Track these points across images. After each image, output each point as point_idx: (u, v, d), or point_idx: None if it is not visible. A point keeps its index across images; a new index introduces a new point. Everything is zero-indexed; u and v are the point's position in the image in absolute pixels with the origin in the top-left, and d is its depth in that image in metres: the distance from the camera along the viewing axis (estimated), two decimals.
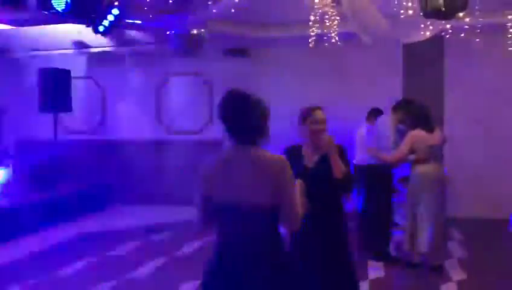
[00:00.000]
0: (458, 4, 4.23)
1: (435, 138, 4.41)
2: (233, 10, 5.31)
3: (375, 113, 5.46)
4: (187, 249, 5.64)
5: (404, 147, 4.41)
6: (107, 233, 6.51)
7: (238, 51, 8.02)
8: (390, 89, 7.12)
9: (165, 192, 8.20)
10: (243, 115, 2.01)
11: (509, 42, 5.33)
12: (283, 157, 2.04)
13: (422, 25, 5.35)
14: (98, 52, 8.12)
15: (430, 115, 4.52)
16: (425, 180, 4.38)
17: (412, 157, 4.44)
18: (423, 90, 6.96)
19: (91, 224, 6.94)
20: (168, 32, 6.61)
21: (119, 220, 7.28)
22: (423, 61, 7.14)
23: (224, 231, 2.04)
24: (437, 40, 6.57)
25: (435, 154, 4.43)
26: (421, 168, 4.40)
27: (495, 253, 5.34)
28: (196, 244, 5.76)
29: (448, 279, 4.46)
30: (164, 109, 8.63)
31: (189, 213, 8.17)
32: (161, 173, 8.38)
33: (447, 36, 6.18)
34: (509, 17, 5.30)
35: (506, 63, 6.63)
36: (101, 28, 5.63)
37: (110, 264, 5.15)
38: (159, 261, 5.17)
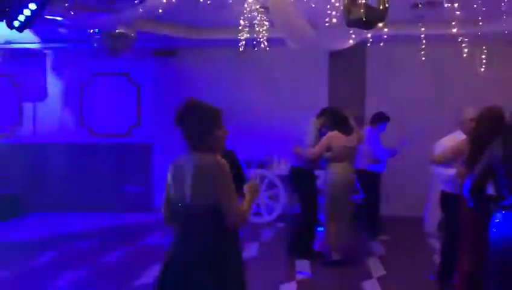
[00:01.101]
0: (378, 15, 4.48)
1: (350, 140, 4.87)
2: (161, 10, 5.19)
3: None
4: (110, 257, 5.41)
5: (321, 144, 4.91)
6: (16, 243, 6.08)
7: (167, 52, 7.88)
8: (316, 94, 7.39)
9: (88, 198, 7.84)
10: (188, 123, 2.26)
11: (422, 52, 5.73)
12: (222, 161, 2.20)
13: (345, 34, 5.59)
14: (16, 49, 7.58)
15: (347, 120, 5.00)
16: (338, 179, 4.81)
17: (327, 154, 4.89)
18: (347, 95, 7.29)
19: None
20: (92, 31, 6.32)
21: (31, 229, 6.85)
22: (347, 68, 7.47)
23: (176, 228, 2.29)
24: (360, 48, 6.91)
25: (348, 155, 4.88)
26: (335, 168, 4.86)
27: (413, 250, 5.71)
28: (119, 252, 5.57)
29: (369, 276, 4.69)
30: (88, 110, 8.24)
31: (115, 219, 7.93)
32: (84, 178, 7.99)
33: (368, 45, 6.53)
34: (423, 29, 5.70)
35: (421, 71, 7.11)
36: (16, 23, 5.22)
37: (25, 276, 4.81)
38: (80, 271, 4.90)
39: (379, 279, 4.60)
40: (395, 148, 6.09)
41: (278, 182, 7.14)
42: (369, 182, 6.00)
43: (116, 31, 6.29)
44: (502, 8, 4.55)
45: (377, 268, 4.93)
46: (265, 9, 5.39)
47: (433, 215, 5.18)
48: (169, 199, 2.29)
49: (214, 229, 2.19)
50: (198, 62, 7.87)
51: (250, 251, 5.57)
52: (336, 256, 4.92)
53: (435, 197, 4.45)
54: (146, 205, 7.94)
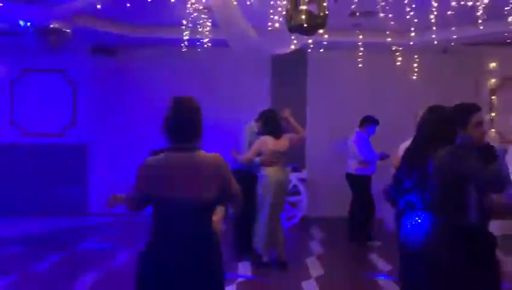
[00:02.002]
0: (318, 21, 4.60)
1: (279, 144, 4.88)
2: (99, 6, 5.00)
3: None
4: (42, 264, 5.12)
5: (252, 149, 4.98)
6: None
7: (105, 50, 7.61)
8: (258, 96, 7.46)
9: (20, 201, 7.38)
10: (187, 121, 2.29)
11: (359, 60, 5.96)
12: (219, 154, 2.32)
13: (287, 39, 5.69)
14: None
15: (278, 124, 5.01)
16: (268, 182, 4.87)
17: (258, 159, 4.96)
18: (288, 98, 7.43)
19: None
20: (23, 24, 5.96)
21: None
22: (289, 72, 7.62)
23: (162, 222, 2.24)
24: (301, 53, 7.07)
25: (278, 158, 4.92)
26: (266, 171, 4.92)
27: (348, 248, 5.93)
28: (52, 258, 5.29)
29: (308, 276, 4.79)
30: (19, 108, 7.76)
31: (48, 224, 7.49)
32: (14, 181, 7.52)
33: (309, 50, 6.69)
34: (360, 37, 5.94)
35: (359, 77, 7.39)
36: None
37: None
38: (8, 279, 4.60)
39: (317, 279, 4.72)
40: (385, 153, 6.01)
41: None
42: (358, 185, 5.99)
43: (51, 25, 5.97)
44: (431, 20, 4.83)
45: (315, 268, 5.05)
46: (208, 10, 5.36)
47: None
48: (142, 194, 2.25)
49: (208, 227, 2.26)
50: (139, 61, 7.67)
51: None
52: (265, 258, 4.97)
53: None
54: (81, 209, 7.61)
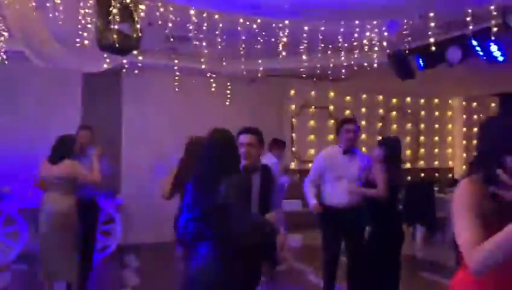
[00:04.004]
0: (131, 43, 4.46)
1: (53, 169, 4.34)
2: None
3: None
4: None
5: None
6: None
7: None
8: (68, 115, 6.84)
9: None
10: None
11: (176, 84, 6.03)
12: None
13: (99, 57, 5.39)
14: None
15: (59, 147, 4.41)
16: (43, 210, 4.34)
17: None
18: (103, 118, 7.02)
19: None
20: None
21: None
22: (103, 90, 7.21)
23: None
24: (116, 72, 6.78)
25: (53, 185, 4.34)
26: (43, 198, 4.41)
27: (165, 276, 5.80)
28: None
29: None
30: None
31: None
32: None
33: (124, 70, 6.47)
34: (176, 61, 6.01)
35: (175, 100, 7.45)
36: None
37: None
38: None
39: None
40: None
41: (18, 217, 6.20)
42: None
43: None
44: (241, 51, 5.19)
45: None
46: (3, 17, 4.70)
47: None
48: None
49: None
50: None
51: None
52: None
53: None
54: None
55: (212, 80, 6.62)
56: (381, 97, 9.64)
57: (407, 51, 5.23)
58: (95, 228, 4.95)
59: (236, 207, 2.48)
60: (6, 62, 5.17)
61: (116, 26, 4.18)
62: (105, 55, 5.48)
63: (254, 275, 2.96)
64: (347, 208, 4.21)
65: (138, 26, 4.33)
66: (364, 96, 9.45)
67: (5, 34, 5.00)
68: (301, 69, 5.82)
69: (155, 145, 7.30)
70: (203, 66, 5.83)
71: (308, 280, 5.65)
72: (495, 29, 4.36)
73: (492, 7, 4.17)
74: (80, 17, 4.48)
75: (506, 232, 1.43)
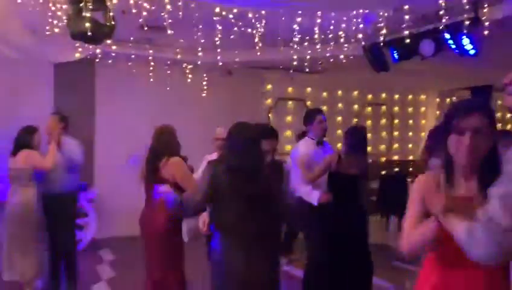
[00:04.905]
0: (105, 32, 4.35)
1: (12, 161, 4.28)
2: None
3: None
4: None
5: None
6: None
7: None
8: (40, 106, 6.63)
9: None
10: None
11: (150, 74, 5.93)
12: None
13: (70, 46, 5.25)
14: None
15: (18, 139, 4.36)
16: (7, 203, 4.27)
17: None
18: (75, 109, 6.83)
19: None
20: None
21: None
22: (75, 81, 7.02)
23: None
24: (89, 62, 6.62)
25: (13, 178, 4.27)
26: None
27: (141, 269, 5.71)
28: None
29: None
30: None
31: None
32: None
33: (97, 60, 6.32)
34: (151, 51, 5.91)
35: (150, 91, 7.32)
36: None
37: None
38: None
39: None
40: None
41: None
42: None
43: None
44: (217, 42, 5.13)
45: None
46: None
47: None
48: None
49: None
50: None
51: None
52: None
53: None
54: None
55: (188, 71, 6.55)
56: (356, 93, 9.72)
57: (382, 44, 5.27)
58: (67, 222, 4.74)
59: (279, 193, 2.89)
60: None
61: (88, 14, 4.08)
62: (77, 44, 5.35)
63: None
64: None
65: (111, 14, 4.23)
66: (340, 92, 9.52)
67: None
68: (278, 61, 5.80)
69: (129, 136, 7.16)
70: (179, 56, 5.75)
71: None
72: (467, 22, 4.44)
73: (465, 0, 4.25)
74: (50, 4, 4.35)
75: (425, 226, 1.66)
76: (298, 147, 4.39)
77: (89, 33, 4.10)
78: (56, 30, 4.49)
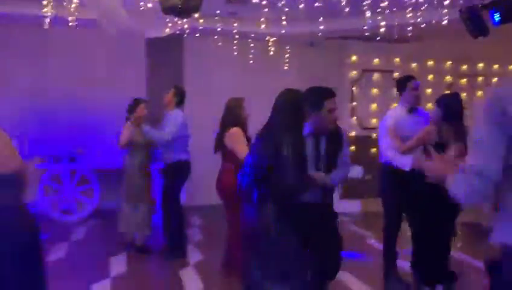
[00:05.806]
0: (193, 4, 4.52)
1: None
2: None
3: None
4: None
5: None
6: None
7: None
8: (134, 81, 7.11)
9: None
10: None
11: (235, 48, 6.05)
12: None
13: (162, 21, 5.52)
14: None
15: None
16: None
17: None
18: (165, 84, 7.19)
19: None
20: None
21: None
22: (165, 56, 7.39)
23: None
24: (178, 37, 6.92)
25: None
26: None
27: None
28: None
29: (186, 263, 4.73)
30: None
31: None
32: None
33: (185, 36, 6.58)
34: (235, 24, 6.01)
35: (234, 64, 7.46)
36: None
37: None
38: None
39: (196, 265, 4.69)
40: None
41: (91, 176, 6.65)
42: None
43: None
44: (300, 11, 5.08)
45: (193, 255, 5.01)
46: None
47: None
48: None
49: None
50: None
51: (58, 251, 5.06)
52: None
53: None
54: None
55: (270, 44, 6.56)
56: (449, 63, 9.06)
57: (481, 5, 4.84)
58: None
59: (290, 163, 2.61)
60: (77, 28, 5.42)
61: None
62: (167, 19, 5.61)
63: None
64: (412, 171, 3.97)
65: None
66: (431, 62, 8.93)
67: (76, 1, 5.23)
68: (364, 29, 5.59)
69: (216, 109, 7.39)
70: (263, 26, 5.76)
71: (368, 243, 5.62)
72: None
73: None
74: None
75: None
76: (387, 115, 4.26)
77: (179, 6, 4.29)
78: (149, 5, 4.74)
